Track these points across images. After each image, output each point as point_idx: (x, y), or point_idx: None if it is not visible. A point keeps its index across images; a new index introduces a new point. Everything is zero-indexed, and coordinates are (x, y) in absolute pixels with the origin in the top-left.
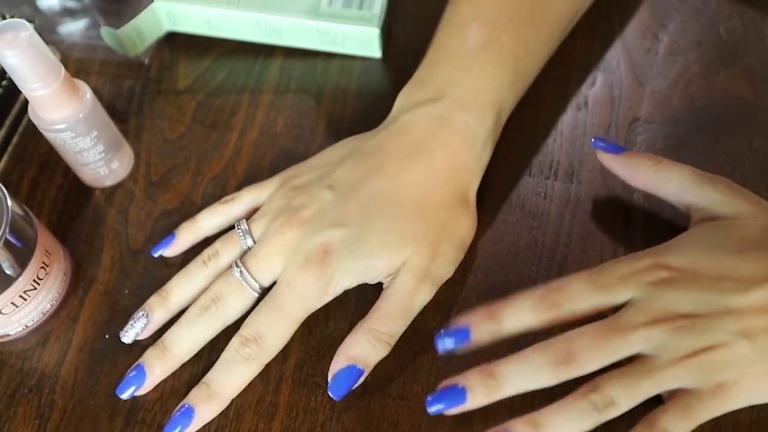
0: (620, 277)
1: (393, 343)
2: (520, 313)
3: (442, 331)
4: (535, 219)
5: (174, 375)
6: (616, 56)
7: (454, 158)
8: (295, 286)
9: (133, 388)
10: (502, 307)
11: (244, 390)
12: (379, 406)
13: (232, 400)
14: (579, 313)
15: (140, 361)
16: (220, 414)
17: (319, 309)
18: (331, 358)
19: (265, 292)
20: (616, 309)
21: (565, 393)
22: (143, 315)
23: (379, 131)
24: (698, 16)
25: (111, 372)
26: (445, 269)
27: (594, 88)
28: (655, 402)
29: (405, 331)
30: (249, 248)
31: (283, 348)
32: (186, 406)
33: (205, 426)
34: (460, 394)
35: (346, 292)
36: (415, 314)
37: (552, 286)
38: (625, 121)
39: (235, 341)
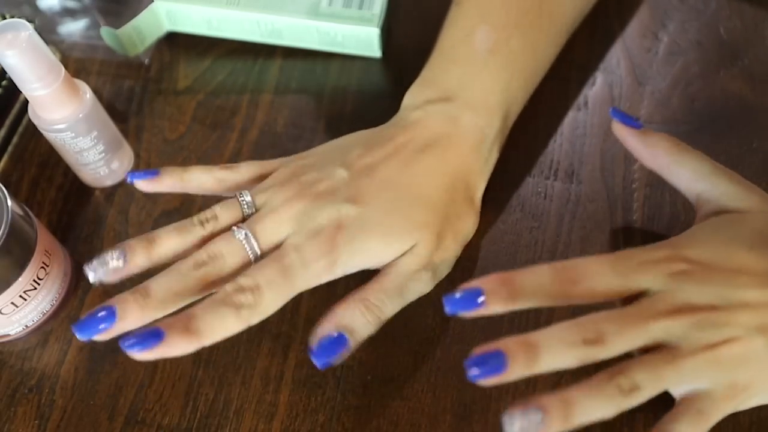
0: (639, 264)
1: (382, 320)
2: (537, 283)
3: (454, 292)
4: (535, 219)
5: (173, 376)
6: (616, 56)
7: (463, 158)
8: (303, 253)
9: (97, 330)
10: (518, 274)
11: (244, 390)
12: (379, 406)
13: (233, 401)
14: (596, 294)
15: (112, 302)
16: (220, 414)
17: (320, 309)
18: None
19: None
20: (626, 299)
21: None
22: (120, 254)
23: (389, 126)
24: (698, 16)
25: (111, 372)
26: (446, 264)
27: (594, 88)
28: (658, 404)
29: (405, 331)
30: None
31: (284, 348)
32: (158, 328)
33: (205, 426)
34: (501, 360)
35: (349, 288)
36: (409, 301)
37: (571, 262)
38: None
39: (229, 286)
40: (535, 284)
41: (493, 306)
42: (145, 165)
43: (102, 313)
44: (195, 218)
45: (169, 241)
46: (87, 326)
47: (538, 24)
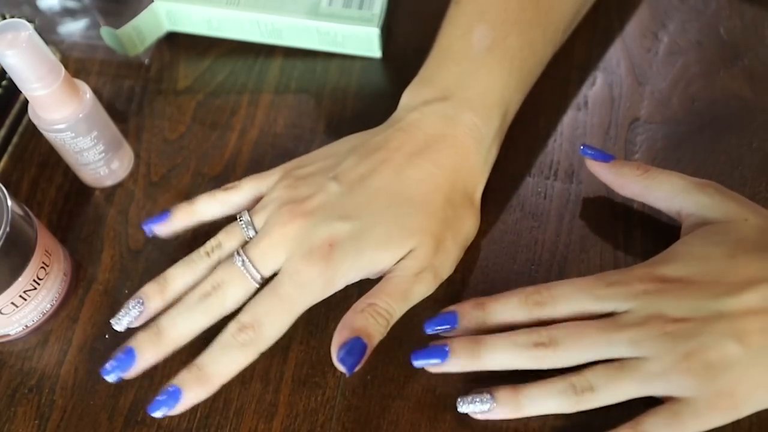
0: (610, 284)
1: (391, 322)
2: (507, 307)
3: (432, 318)
4: (535, 219)
5: (174, 377)
6: (616, 56)
7: (461, 158)
8: (298, 278)
9: (119, 371)
10: (491, 299)
11: (244, 390)
12: (379, 406)
13: (233, 401)
14: (564, 316)
15: (130, 343)
16: (220, 414)
17: (320, 309)
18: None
19: (265, 282)
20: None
21: None
22: (138, 302)
23: (385, 128)
24: (698, 16)
25: None
26: (447, 265)
27: (594, 88)
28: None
29: (405, 332)
30: (251, 239)
31: (283, 348)
32: (173, 387)
33: (205, 426)
34: (443, 352)
35: (347, 292)
36: (413, 303)
37: (543, 286)
38: (625, 121)
39: (231, 326)
40: (504, 308)
41: (465, 327)
42: (145, 165)
43: (121, 355)
44: (202, 249)
45: (180, 279)
46: (112, 369)
47: (536, 21)
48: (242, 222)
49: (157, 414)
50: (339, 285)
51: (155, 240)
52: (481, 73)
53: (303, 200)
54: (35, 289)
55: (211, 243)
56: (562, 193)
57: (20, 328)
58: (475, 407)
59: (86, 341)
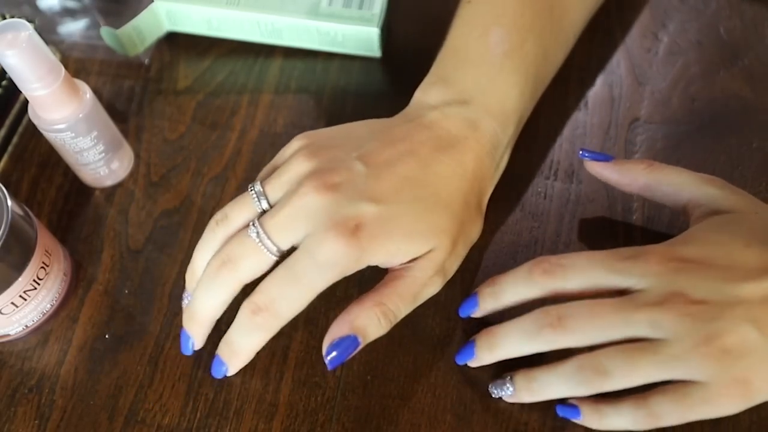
0: (627, 258)
1: (394, 324)
2: (516, 279)
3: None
4: (535, 219)
5: (173, 377)
6: (616, 56)
7: (479, 162)
8: (320, 256)
9: (187, 348)
10: (501, 275)
11: (244, 390)
12: (379, 406)
13: (233, 401)
14: (576, 289)
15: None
16: (219, 414)
17: (320, 309)
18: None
19: (283, 256)
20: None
21: None
22: (186, 295)
23: (405, 121)
24: (698, 16)
25: (111, 372)
26: (455, 268)
27: (594, 88)
28: None
29: (405, 331)
30: (264, 212)
31: (284, 348)
32: (217, 357)
33: (205, 426)
34: (471, 350)
35: (348, 291)
36: (419, 303)
37: (553, 256)
38: (625, 121)
39: (245, 308)
40: (516, 283)
41: (484, 305)
42: (145, 165)
43: (182, 338)
44: (211, 221)
45: (200, 259)
46: (182, 347)
47: (550, 28)
48: (253, 192)
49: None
50: (362, 266)
51: (155, 240)
52: (500, 80)
53: (325, 173)
54: (35, 289)
55: (217, 216)
56: (562, 193)
57: (20, 328)
58: (501, 392)
59: (86, 341)
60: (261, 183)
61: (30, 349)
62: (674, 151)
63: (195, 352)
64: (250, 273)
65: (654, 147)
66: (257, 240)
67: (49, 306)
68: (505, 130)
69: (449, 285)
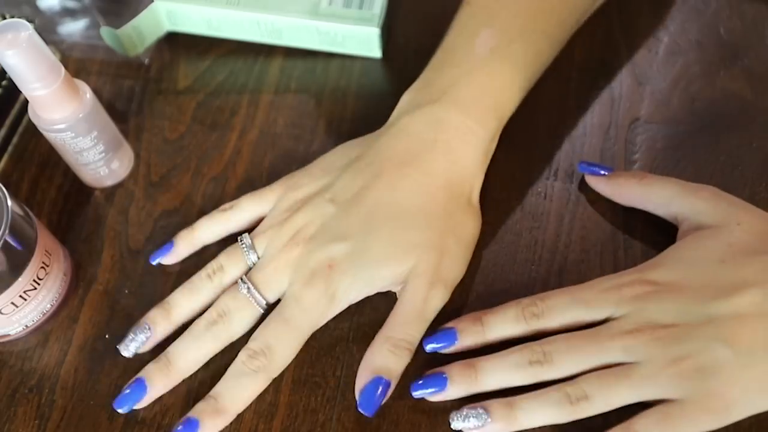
0: (602, 291)
1: (413, 349)
2: (503, 321)
3: (431, 334)
4: (535, 219)
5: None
6: (616, 56)
7: (453, 163)
8: (302, 301)
9: (134, 402)
10: (488, 314)
11: None
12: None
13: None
14: (559, 326)
15: (141, 374)
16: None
17: None
18: (332, 358)
19: (270, 307)
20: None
21: None
22: (145, 328)
23: (380, 135)
24: (698, 16)
25: (111, 372)
26: (456, 271)
27: (594, 88)
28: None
29: None
30: (254, 263)
31: None
32: (191, 418)
33: None
34: (442, 381)
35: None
36: (431, 319)
37: (537, 297)
38: (625, 121)
39: (242, 354)
40: (501, 322)
41: (464, 343)
42: (145, 165)
43: (132, 385)
44: (203, 272)
45: (184, 305)
46: (124, 400)
47: (545, 29)
48: (243, 246)
49: None
50: (341, 304)
51: (155, 240)
52: (478, 75)
53: (302, 226)
54: (35, 289)
55: (213, 266)
56: (562, 193)
57: (20, 328)
58: (469, 423)
59: (86, 341)
60: (249, 236)
61: (30, 349)
62: (674, 151)
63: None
64: (241, 326)
65: (654, 147)
66: (248, 294)
67: (49, 306)
68: (483, 124)
69: None
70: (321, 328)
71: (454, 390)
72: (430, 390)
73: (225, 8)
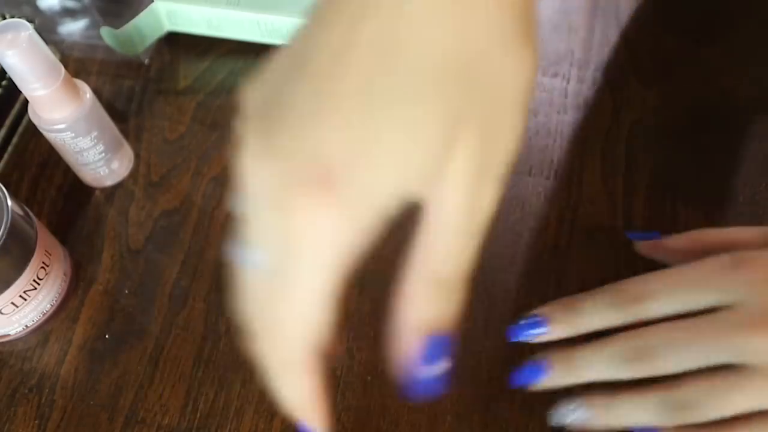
0: (711, 272)
1: (465, 278)
2: (599, 307)
3: (520, 321)
4: (535, 219)
5: (173, 377)
6: (616, 56)
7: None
8: None
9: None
10: (580, 301)
11: (244, 390)
12: (379, 406)
13: (233, 401)
14: (661, 315)
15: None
16: (220, 414)
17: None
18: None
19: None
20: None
21: None
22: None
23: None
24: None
25: (111, 372)
26: (507, 146)
27: (594, 88)
28: None
29: None
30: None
31: None
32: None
33: (205, 426)
34: (540, 370)
35: (345, 291)
36: (484, 228)
37: (633, 282)
38: (625, 122)
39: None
40: (596, 310)
41: (556, 331)
42: (145, 165)
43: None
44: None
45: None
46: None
47: None
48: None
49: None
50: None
51: (155, 240)
52: None
53: None
54: (35, 289)
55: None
56: (562, 193)
57: (20, 328)
58: (572, 416)
59: (86, 341)
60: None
61: (30, 349)
62: (674, 151)
63: (194, 353)
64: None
65: (654, 147)
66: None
67: (49, 306)
68: None
69: None
70: None
71: (553, 379)
72: (530, 379)
73: (225, 8)
